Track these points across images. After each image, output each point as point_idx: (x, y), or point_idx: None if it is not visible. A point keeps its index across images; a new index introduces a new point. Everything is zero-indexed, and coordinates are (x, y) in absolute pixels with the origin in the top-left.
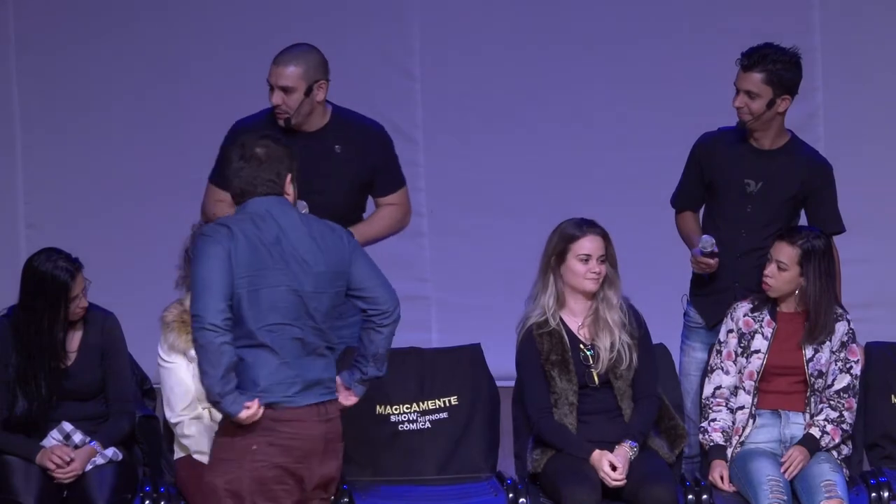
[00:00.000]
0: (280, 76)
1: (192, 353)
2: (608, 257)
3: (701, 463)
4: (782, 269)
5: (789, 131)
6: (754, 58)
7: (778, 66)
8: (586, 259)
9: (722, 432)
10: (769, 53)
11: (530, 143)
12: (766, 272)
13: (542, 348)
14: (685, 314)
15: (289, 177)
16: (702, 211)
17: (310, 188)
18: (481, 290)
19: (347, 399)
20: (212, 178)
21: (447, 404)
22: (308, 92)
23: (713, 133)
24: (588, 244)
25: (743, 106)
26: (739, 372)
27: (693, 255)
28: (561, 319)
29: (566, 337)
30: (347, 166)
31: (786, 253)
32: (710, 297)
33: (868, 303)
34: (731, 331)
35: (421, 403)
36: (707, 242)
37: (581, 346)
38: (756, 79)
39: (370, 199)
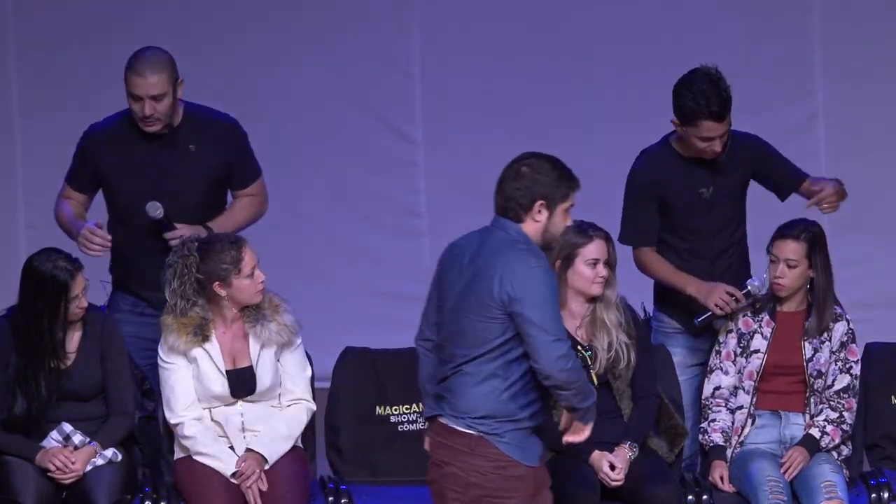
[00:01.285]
0: (150, 86)
1: (193, 353)
2: (610, 259)
3: (700, 463)
4: (792, 266)
5: None
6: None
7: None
8: (594, 263)
9: (721, 433)
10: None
11: (529, 144)
12: (777, 274)
13: None
14: (653, 319)
15: None
16: None
17: (166, 189)
18: None
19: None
20: (66, 177)
21: None
22: (174, 94)
23: (645, 160)
24: (596, 249)
25: (721, 148)
26: (739, 372)
27: (728, 293)
28: None
29: None
30: (202, 164)
31: (792, 249)
32: (686, 303)
33: (868, 303)
34: (730, 331)
35: (420, 404)
36: (757, 286)
37: (579, 346)
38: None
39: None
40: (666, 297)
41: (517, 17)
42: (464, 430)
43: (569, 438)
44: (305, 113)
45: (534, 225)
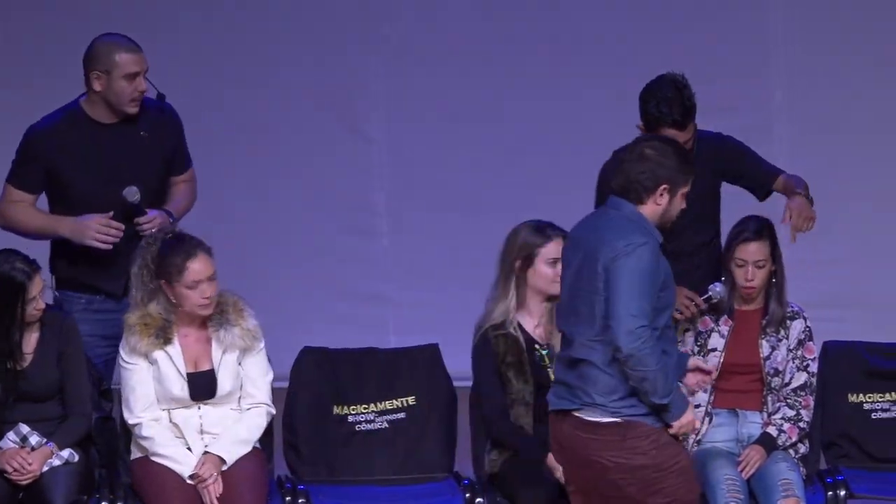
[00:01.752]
0: (144, 61)
1: (154, 355)
2: None
3: None
4: (761, 266)
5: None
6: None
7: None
8: (554, 262)
9: None
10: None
11: (490, 142)
12: (749, 277)
13: (498, 350)
14: None
15: None
16: None
17: (124, 177)
18: (440, 290)
19: None
20: (10, 180)
21: (405, 405)
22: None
23: (614, 160)
24: (555, 248)
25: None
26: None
27: (687, 294)
28: (517, 321)
29: (522, 338)
30: (154, 150)
31: (759, 250)
32: None
33: (825, 302)
34: (687, 329)
35: (378, 404)
36: (719, 292)
37: (536, 346)
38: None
39: None
40: None
41: (481, 16)
42: (609, 419)
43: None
44: (266, 112)
45: (654, 208)
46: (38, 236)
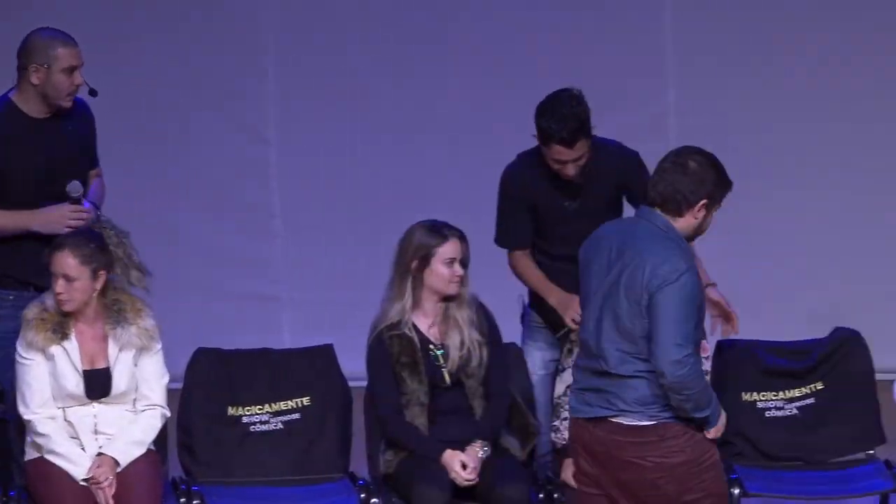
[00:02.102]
0: (81, 55)
1: (51, 350)
2: (464, 258)
3: (553, 461)
4: None
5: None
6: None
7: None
8: (451, 263)
9: None
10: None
11: (383, 143)
12: None
13: (393, 350)
14: (524, 315)
15: None
16: None
17: (60, 171)
18: (334, 291)
19: None
20: None
21: (299, 405)
22: None
23: (517, 164)
24: (452, 248)
25: (575, 172)
26: None
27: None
28: (412, 321)
29: (416, 338)
30: (81, 144)
31: None
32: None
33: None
34: (575, 331)
35: (273, 404)
36: None
37: (431, 346)
38: (584, 144)
39: None
40: (538, 300)
41: (371, 17)
42: (647, 423)
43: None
44: (159, 113)
45: (691, 221)
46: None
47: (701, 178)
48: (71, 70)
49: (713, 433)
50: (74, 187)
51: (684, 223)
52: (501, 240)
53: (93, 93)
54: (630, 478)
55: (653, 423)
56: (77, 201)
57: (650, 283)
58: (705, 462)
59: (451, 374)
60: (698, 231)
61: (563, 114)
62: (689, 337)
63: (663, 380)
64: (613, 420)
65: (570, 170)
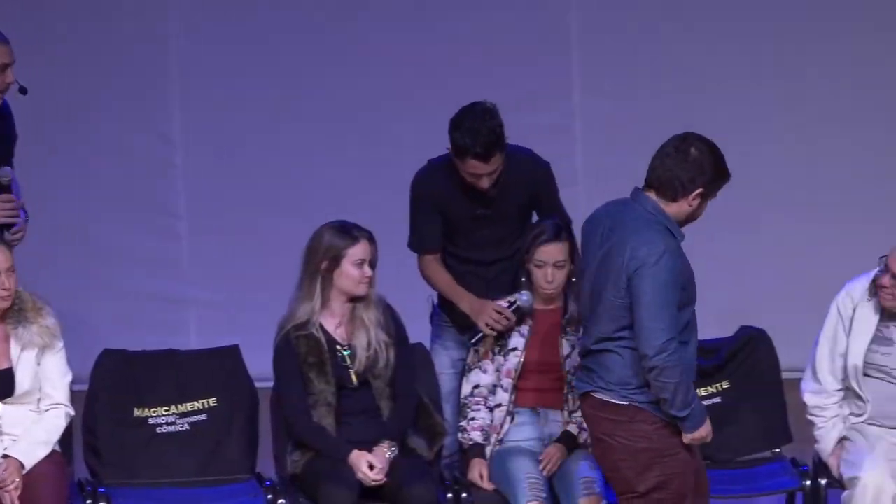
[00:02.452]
0: (13, 53)
1: None
2: (373, 259)
3: (460, 461)
4: (560, 267)
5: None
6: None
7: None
8: (361, 264)
9: (481, 430)
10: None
11: (289, 145)
12: (549, 279)
13: (300, 350)
14: (433, 315)
15: None
16: None
17: None
18: (240, 292)
19: None
20: None
21: (206, 406)
22: None
23: (428, 169)
24: (362, 249)
25: (490, 184)
26: (497, 370)
27: (496, 308)
28: (319, 322)
29: (323, 338)
30: (6, 138)
31: (560, 251)
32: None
33: None
34: (496, 340)
35: (179, 406)
36: (525, 300)
37: (338, 346)
38: (499, 158)
39: None
40: (446, 300)
41: (276, 14)
42: (619, 402)
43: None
44: (62, 112)
45: (684, 208)
46: None
47: (700, 167)
48: (3, 68)
49: (687, 439)
50: (3, 172)
51: (677, 208)
52: (413, 244)
53: (23, 90)
54: (598, 454)
55: (625, 403)
56: (6, 188)
57: (628, 265)
58: (668, 456)
59: (358, 375)
60: (691, 217)
61: (477, 129)
62: (672, 320)
63: (645, 362)
64: (594, 395)
65: (485, 182)
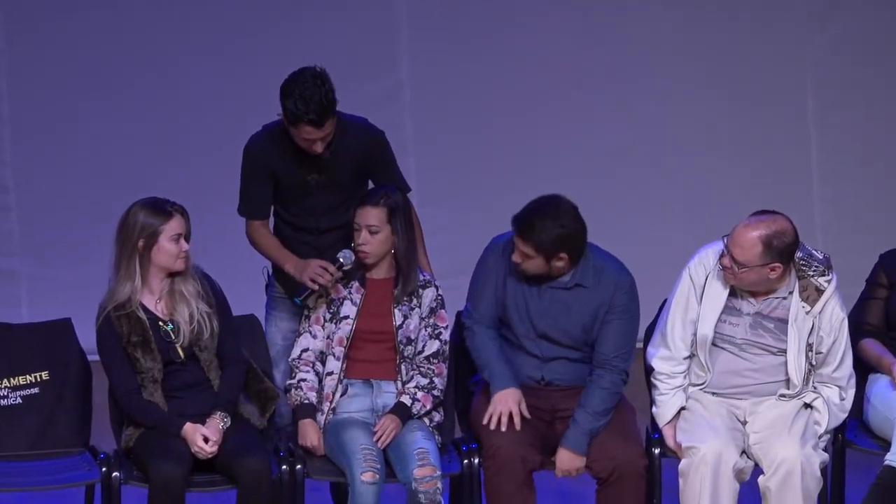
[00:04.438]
0: None
1: None
2: (186, 232)
3: (294, 430)
4: (374, 231)
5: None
6: None
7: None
8: (177, 238)
9: (312, 391)
10: None
11: (116, 118)
12: (360, 241)
13: (122, 331)
14: (268, 286)
15: None
16: None
17: None
18: (72, 265)
19: None
20: None
21: (38, 379)
22: None
23: (261, 135)
24: (177, 224)
25: (323, 148)
26: (328, 338)
27: (319, 263)
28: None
29: (145, 317)
30: None
31: (373, 215)
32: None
33: (458, 270)
34: (320, 296)
35: (11, 379)
36: (347, 257)
37: (160, 322)
38: (332, 122)
39: None
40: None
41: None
42: None
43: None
44: None
45: None
46: None
47: None
48: None
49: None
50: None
51: None
52: (242, 209)
53: None
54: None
55: None
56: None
57: None
58: None
59: (184, 349)
60: None
61: (309, 95)
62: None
63: None
64: None
65: (319, 147)
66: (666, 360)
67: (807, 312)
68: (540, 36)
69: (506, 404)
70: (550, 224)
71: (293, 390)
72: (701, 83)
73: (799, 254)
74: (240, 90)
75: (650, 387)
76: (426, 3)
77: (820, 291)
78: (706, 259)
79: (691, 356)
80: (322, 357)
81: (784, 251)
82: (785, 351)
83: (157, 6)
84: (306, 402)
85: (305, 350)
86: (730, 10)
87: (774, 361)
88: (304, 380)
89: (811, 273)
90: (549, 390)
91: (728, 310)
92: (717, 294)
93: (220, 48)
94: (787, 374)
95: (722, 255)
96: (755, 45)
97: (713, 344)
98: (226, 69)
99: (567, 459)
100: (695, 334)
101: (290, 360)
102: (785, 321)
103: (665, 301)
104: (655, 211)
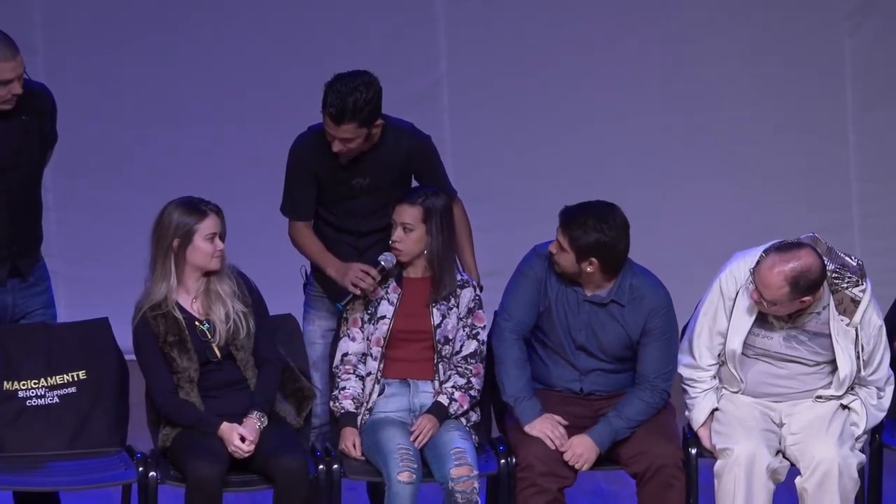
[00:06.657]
0: (20, 65)
1: None
2: (222, 231)
3: (331, 431)
4: (409, 230)
5: (382, 117)
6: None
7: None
8: (212, 238)
9: (352, 399)
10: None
11: (152, 116)
12: (394, 237)
13: (158, 330)
14: (306, 285)
15: None
16: None
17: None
18: (109, 265)
19: None
20: None
21: (75, 379)
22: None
23: (307, 135)
24: (212, 223)
25: (340, 150)
26: (367, 339)
27: (361, 267)
28: (175, 299)
29: (181, 316)
30: (34, 132)
31: (409, 214)
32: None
33: (497, 270)
34: (357, 297)
35: (49, 379)
36: (389, 259)
37: (196, 322)
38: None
39: None
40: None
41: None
42: None
43: None
44: None
45: None
46: None
47: None
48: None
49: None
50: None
51: None
52: (285, 208)
53: None
54: None
55: None
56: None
57: None
58: None
59: (220, 349)
60: None
61: (342, 90)
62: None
63: None
64: None
65: (337, 146)
66: (692, 367)
67: (847, 325)
68: (580, 34)
69: (542, 433)
70: (593, 225)
71: (331, 402)
72: (739, 83)
73: (831, 266)
74: (276, 91)
75: (683, 391)
76: (465, 2)
77: (856, 302)
78: (737, 271)
79: (721, 364)
80: (364, 358)
81: (812, 286)
82: (820, 363)
83: (197, 7)
84: (343, 411)
85: (346, 354)
86: (764, 8)
87: (808, 371)
88: (343, 388)
89: (845, 286)
90: (590, 399)
91: (760, 323)
92: (748, 310)
93: (258, 50)
94: (829, 381)
95: (750, 285)
96: (792, 44)
97: (745, 355)
98: (263, 71)
99: (582, 445)
100: (723, 345)
101: (332, 366)
102: (819, 334)
103: (699, 303)
104: (692, 210)
